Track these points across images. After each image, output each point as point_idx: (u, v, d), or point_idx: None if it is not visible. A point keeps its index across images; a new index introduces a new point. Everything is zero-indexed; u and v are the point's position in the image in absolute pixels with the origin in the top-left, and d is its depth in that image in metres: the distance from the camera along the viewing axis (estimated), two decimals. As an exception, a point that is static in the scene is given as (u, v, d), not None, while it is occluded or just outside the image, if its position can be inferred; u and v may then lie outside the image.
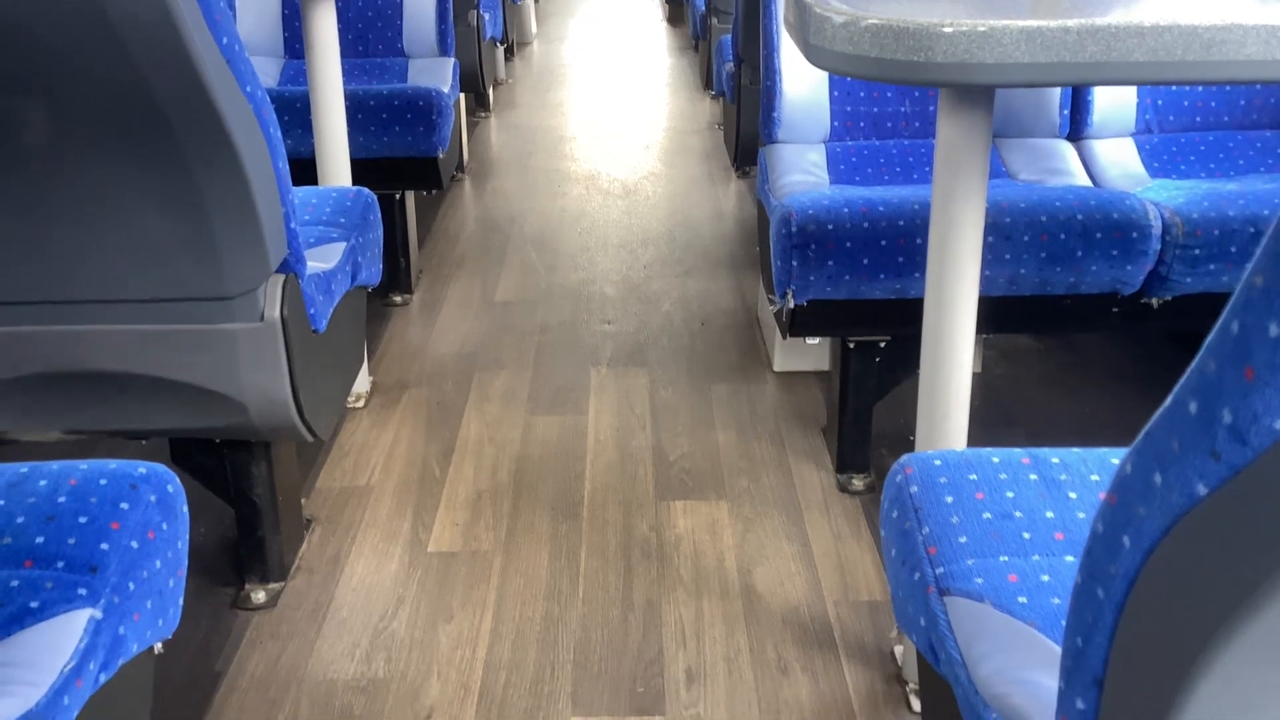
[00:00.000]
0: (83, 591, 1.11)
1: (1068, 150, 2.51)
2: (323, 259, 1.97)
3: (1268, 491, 0.53)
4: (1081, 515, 1.15)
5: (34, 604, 1.09)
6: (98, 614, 1.10)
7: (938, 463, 1.23)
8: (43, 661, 1.04)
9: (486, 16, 4.53)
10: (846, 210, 2.08)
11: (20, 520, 1.18)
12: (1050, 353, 2.92)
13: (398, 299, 3.27)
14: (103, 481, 1.23)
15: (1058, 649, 0.94)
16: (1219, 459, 0.55)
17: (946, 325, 1.61)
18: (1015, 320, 2.21)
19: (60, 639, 1.06)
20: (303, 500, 2.26)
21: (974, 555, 1.10)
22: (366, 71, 3.48)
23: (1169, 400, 0.59)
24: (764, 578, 2.06)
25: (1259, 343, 0.52)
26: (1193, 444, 0.56)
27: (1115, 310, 2.17)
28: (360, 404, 2.68)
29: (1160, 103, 2.55)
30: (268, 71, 3.39)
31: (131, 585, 1.16)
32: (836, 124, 2.57)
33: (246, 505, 1.99)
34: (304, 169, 2.61)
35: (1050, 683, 0.91)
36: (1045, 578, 1.07)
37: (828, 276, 2.09)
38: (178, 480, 1.29)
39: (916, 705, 1.75)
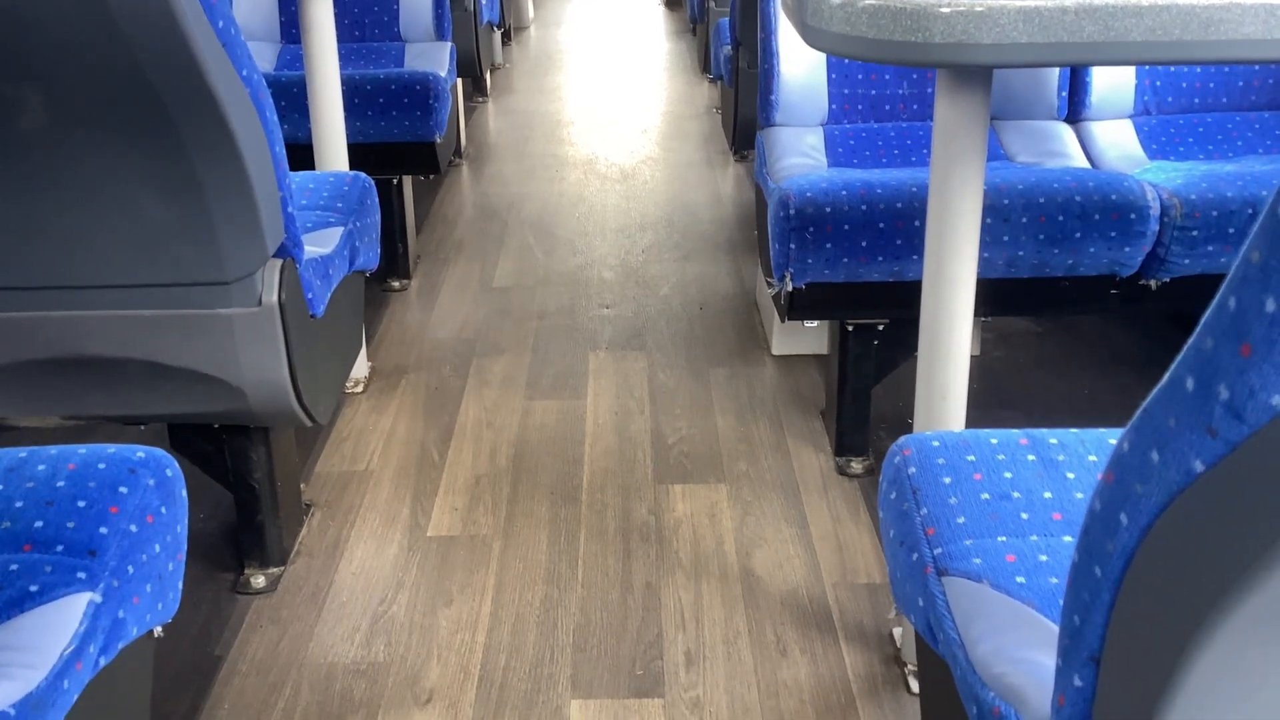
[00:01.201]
0: (82, 575, 1.11)
1: (1066, 132, 2.50)
2: (320, 244, 1.97)
3: (1264, 468, 0.53)
4: (1079, 495, 1.15)
5: (33, 588, 1.09)
6: (97, 598, 1.10)
7: (936, 444, 1.23)
8: (42, 645, 1.04)
9: (484, 1, 4.51)
10: (845, 193, 2.08)
11: (19, 504, 1.18)
12: (1048, 335, 2.92)
13: (396, 284, 3.27)
14: (101, 466, 1.23)
15: (1055, 628, 0.94)
16: (1216, 436, 0.55)
17: (945, 307, 1.61)
18: (1013, 302, 2.21)
19: (60, 622, 1.06)
20: (302, 485, 2.26)
21: (972, 535, 1.10)
22: (363, 56, 3.48)
23: (1166, 377, 0.59)
24: (763, 560, 2.06)
25: (1256, 319, 0.52)
26: (1190, 421, 0.57)
27: (1113, 292, 2.17)
28: (359, 389, 2.68)
29: (1158, 84, 2.54)
30: (264, 56, 3.38)
31: (131, 569, 1.16)
32: (834, 107, 2.56)
33: (245, 490, 1.99)
34: (301, 154, 2.60)
35: (1048, 662, 0.91)
36: (1043, 557, 1.07)
37: (826, 259, 2.09)
38: (176, 464, 1.29)
39: (915, 686, 1.76)
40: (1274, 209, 0.51)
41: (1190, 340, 0.57)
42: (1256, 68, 2.53)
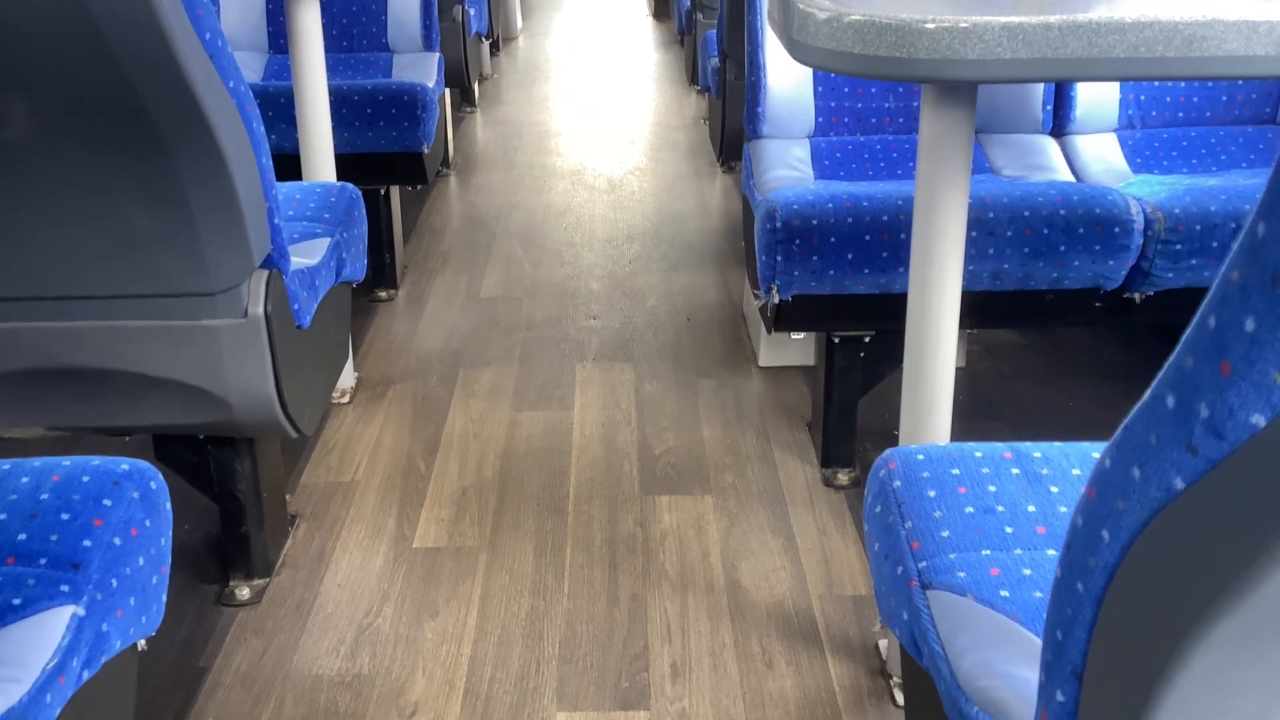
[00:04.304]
0: (65, 588, 1.11)
1: (1051, 146, 2.52)
2: (307, 255, 1.97)
3: (1244, 485, 0.54)
4: (1063, 509, 1.15)
5: (16, 601, 1.08)
6: (80, 611, 1.10)
7: (921, 457, 1.23)
8: (25, 658, 1.03)
9: (472, 11, 4.52)
10: (831, 205, 2.09)
11: (2, 517, 1.18)
12: (1033, 347, 2.93)
13: (383, 294, 3.26)
14: (85, 478, 1.23)
15: (1039, 642, 0.94)
16: (1196, 453, 0.55)
17: (930, 320, 1.62)
18: (998, 315, 2.21)
19: (43, 636, 1.06)
20: (287, 496, 2.25)
21: (956, 549, 1.10)
22: (351, 66, 3.48)
23: (1147, 395, 0.59)
24: (749, 572, 2.07)
25: (1235, 338, 0.52)
26: (1170, 438, 0.57)
27: (1098, 305, 2.18)
28: (345, 399, 2.67)
29: (1143, 98, 2.56)
30: (252, 66, 3.38)
31: (114, 582, 1.15)
32: (821, 119, 2.57)
33: (231, 501, 1.98)
34: (288, 164, 2.60)
35: (1031, 676, 0.91)
36: (1027, 571, 1.07)
37: (812, 271, 2.09)
38: (161, 476, 1.29)
39: (900, 699, 1.76)
40: (1253, 228, 0.51)
41: (1171, 358, 0.57)
42: (1240, 83, 2.55)
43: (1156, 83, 2.55)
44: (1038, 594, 1.04)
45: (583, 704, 1.77)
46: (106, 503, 1.20)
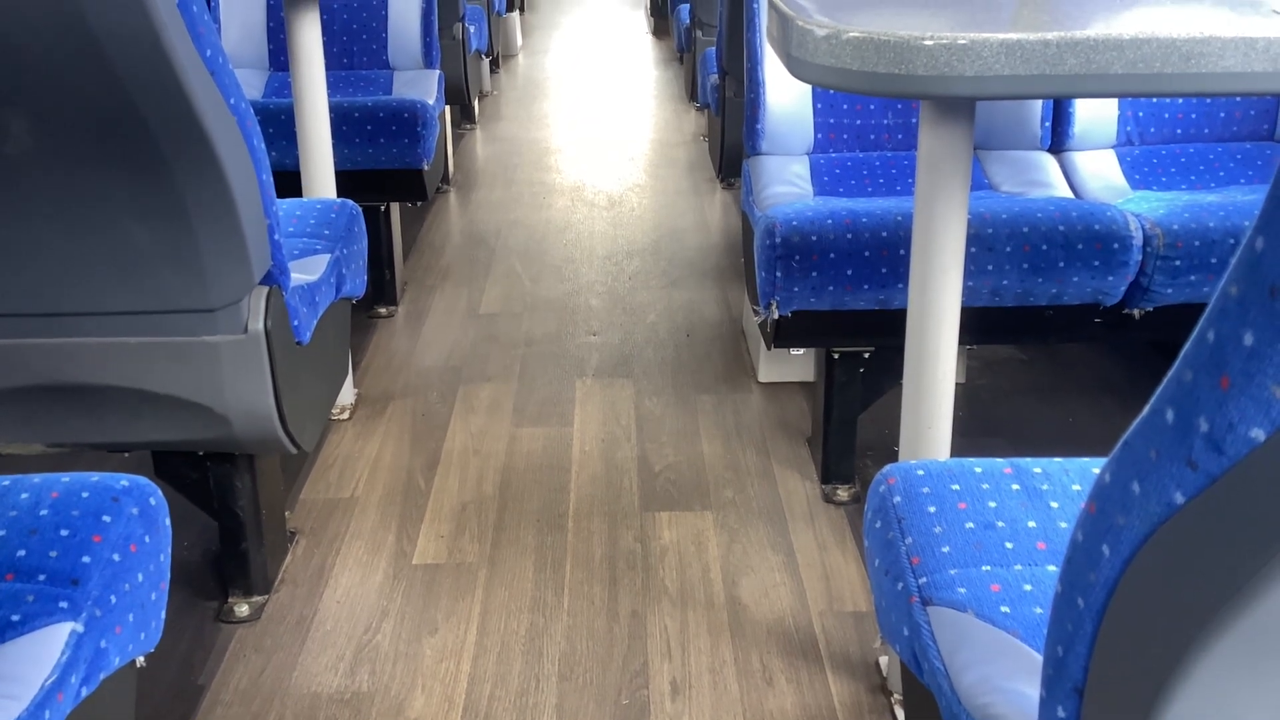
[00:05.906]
0: (64, 605, 1.10)
1: (1049, 162, 2.52)
2: (307, 271, 1.97)
3: (1244, 500, 0.54)
4: (1064, 525, 1.15)
5: (15, 617, 1.08)
6: (79, 627, 1.10)
7: (921, 473, 1.23)
8: (23, 675, 1.03)
9: (472, 29, 4.53)
10: (830, 222, 2.09)
11: (1, 533, 1.17)
12: (1033, 363, 2.93)
13: (383, 311, 3.26)
14: (85, 494, 1.23)
15: (1040, 658, 0.94)
16: (1196, 468, 0.55)
17: (930, 336, 1.62)
18: (998, 331, 2.22)
19: (41, 652, 1.06)
20: (287, 513, 2.25)
21: (957, 565, 1.10)
22: (351, 84, 3.48)
23: (1147, 409, 0.59)
24: (749, 588, 2.06)
25: (1234, 352, 0.52)
26: (1170, 453, 0.57)
27: (1097, 321, 2.18)
28: (345, 416, 2.67)
29: (1141, 115, 2.56)
30: (252, 84, 3.39)
31: (113, 598, 1.15)
32: (820, 136, 2.58)
33: (230, 518, 1.98)
34: (288, 181, 2.60)
35: (1032, 692, 0.91)
36: (1027, 587, 1.07)
37: (812, 288, 2.09)
38: (160, 493, 1.29)
39: (901, 715, 1.75)
40: (1252, 242, 0.51)
41: (1170, 372, 0.57)
42: (1238, 99, 2.55)
43: (1155, 99, 2.56)
44: (1038, 610, 1.04)
45: (582, 721, 1.76)
46: (105, 519, 1.20)
